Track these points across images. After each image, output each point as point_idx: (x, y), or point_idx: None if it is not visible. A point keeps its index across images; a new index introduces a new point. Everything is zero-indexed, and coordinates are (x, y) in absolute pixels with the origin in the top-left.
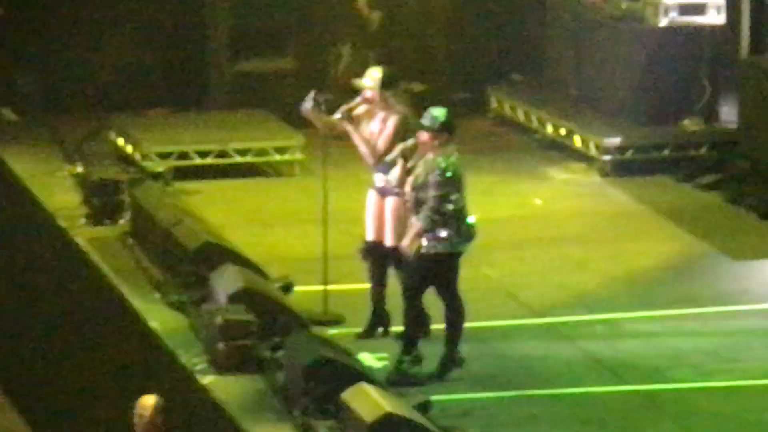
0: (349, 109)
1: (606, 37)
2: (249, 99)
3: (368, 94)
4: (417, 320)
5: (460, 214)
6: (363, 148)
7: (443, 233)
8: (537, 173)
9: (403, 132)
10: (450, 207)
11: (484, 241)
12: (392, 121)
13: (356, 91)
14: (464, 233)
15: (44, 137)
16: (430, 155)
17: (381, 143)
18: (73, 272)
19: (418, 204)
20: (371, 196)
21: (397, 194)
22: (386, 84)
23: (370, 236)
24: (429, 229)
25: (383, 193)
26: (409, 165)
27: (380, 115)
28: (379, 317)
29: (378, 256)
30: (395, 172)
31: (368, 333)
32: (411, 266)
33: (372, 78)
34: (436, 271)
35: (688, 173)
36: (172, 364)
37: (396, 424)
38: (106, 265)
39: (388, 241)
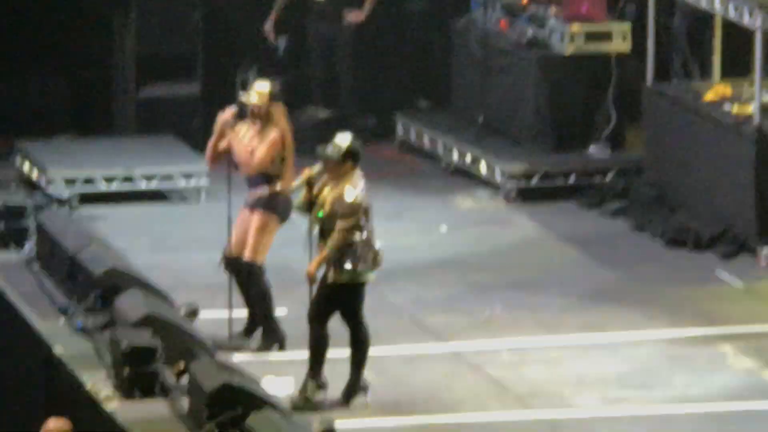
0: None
1: (512, 64)
2: (155, 124)
3: (255, 107)
4: (322, 347)
5: (367, 243)
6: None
7: (350, 262)
8: (443, 200)
9: (280, 148)
10: (357, 237)
11: (390, 267)
12: (271, 136)
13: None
14: (370, 262)
15: None
16: (336, 183)
17: (258, 155)
18: None
19: (325, 232)
20: (242, 212)
21: (264, 209)
22: (273, 97)
23: (232, 250)
24: (335, 258)
25: (252, 207)
26: (314, 191)
27: (259, 128)
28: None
29: (236, 272)
30: (298, 197)
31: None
32: (317, 294)
33: (258, 92)
34: (342, 299)
35: (593, 200)
36: (76, 390)
37: None
38: (11, 290)
39: (247, 255)
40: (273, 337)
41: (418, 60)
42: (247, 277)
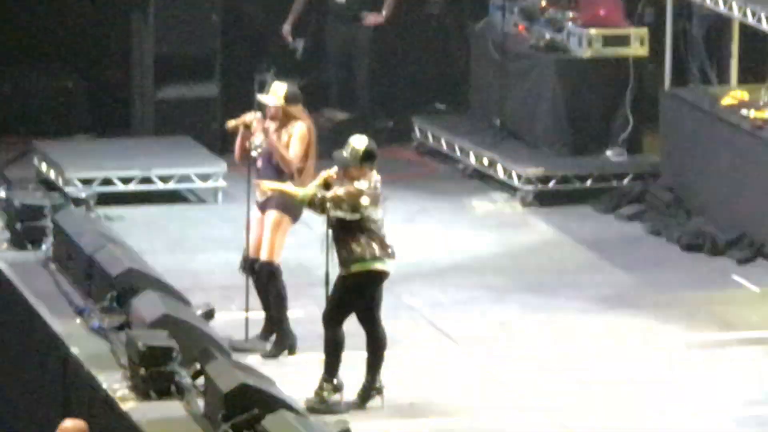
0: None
1: (529, 67)
2: (173, 125)
3: (272, 110)
4: (337, 348)
5: (373, 232)
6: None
7: (356, 249)
8: (459, 203)
9: (308, 139)
10: (373, 225)
11: (406, 270)
12: (297, 128)
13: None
14: (376, 249)
15: None
16: (353, 184)
17: (292, 153)
18: None
19: (339, 233)
20: (255, 212)
21: (276, 209)
22: (290, 99)
23: (250, 252)
24: (343, 254)
25: (263, 207)
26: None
27: (284, 128)
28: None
29: (255, 274)
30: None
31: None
32: (332, 293)
33: (275, 93)
34: (356, 292)
35: (610, 204)
36: (93, 390)
37: None
38: (28, 290)
39: (264, 255)
40: (283, 343)
41: (436, 63)
42: (267, 279)
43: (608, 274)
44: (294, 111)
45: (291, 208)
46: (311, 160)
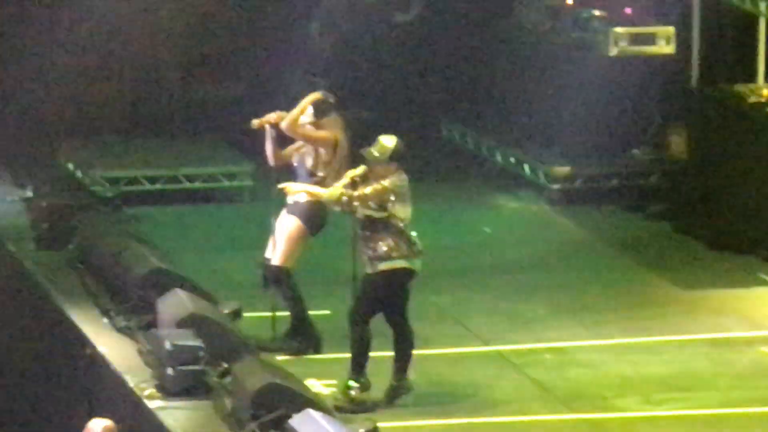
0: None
1: (556, 66)
2: (200, 125)
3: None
4: (364, 346)
5: (400, 231)
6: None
7: (384, 249)
8: (486, 201)
9: (331, 146)
10: (400, 224)
11: (433, 268)
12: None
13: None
14: (405, 248)
15: None
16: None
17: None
18: (22, 297)
19: (367, 231)
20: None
21: (298, 217)
22: (317, 113)
23: (268, 253)
24: (371, 252)
25: (289, 210)
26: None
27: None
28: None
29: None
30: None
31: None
32: (359, 291)
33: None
34: (383, 290)
35: (637, 202)
36: (120, 389)
37: None
38: (55, 290)
39: (275, 260)
40: (309, 341)
41: (463, 61)
42: (273, 281)
43: (634, 272)
44: (326, 123)
45: (312, 219)
46: (339, 169)
